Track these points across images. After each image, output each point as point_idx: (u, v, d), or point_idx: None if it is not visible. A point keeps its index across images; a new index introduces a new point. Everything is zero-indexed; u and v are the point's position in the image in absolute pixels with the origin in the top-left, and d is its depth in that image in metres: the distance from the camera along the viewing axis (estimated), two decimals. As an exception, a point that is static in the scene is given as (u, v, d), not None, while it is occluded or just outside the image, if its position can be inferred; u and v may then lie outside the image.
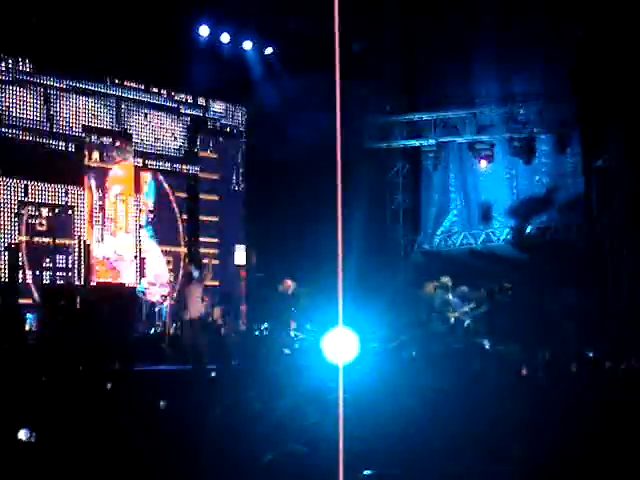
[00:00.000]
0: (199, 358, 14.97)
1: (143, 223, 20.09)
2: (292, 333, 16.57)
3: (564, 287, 18.38)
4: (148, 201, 20.25)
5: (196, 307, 16.36)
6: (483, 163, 21.16)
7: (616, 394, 6.41)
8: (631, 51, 18.82)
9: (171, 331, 17.85)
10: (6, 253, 17.15)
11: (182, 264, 20.45)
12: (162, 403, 6.40)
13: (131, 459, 4.74)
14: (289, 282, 17.23)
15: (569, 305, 17.92)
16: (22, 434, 5.15)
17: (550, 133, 20.66)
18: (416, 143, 21.85)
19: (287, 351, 16.05)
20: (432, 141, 21.41)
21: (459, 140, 21.41)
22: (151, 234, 20.23)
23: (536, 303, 17.99)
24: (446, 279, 17.69)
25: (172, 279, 19.93)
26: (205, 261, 19.83)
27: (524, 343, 15.20)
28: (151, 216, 20.29)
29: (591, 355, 12.69)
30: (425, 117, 21.50)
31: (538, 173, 21.32)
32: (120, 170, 19.70)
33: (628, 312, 18.34)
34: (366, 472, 4.16)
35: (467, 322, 17.29)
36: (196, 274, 16.89)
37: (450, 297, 17.46)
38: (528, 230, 21.43)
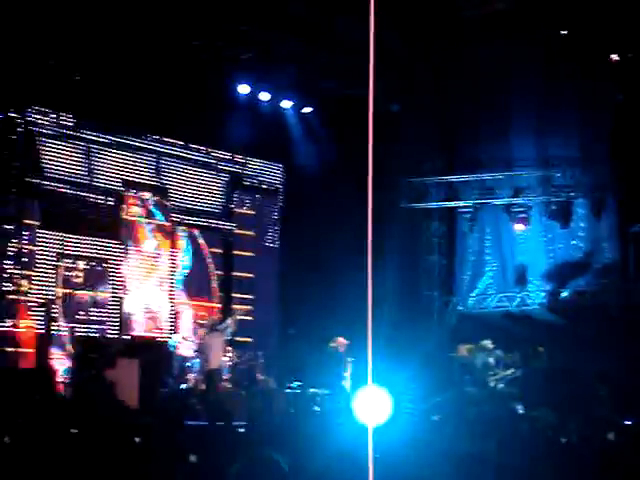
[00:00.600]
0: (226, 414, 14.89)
1: (178, 278, 20.19)
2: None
3: (599, 352, 18.15)
4: (184, 256, 20.37)
5: (217, 358, 16.37)
6: (519, 226, 21.10)
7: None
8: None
9: (202, 387, 17.81)
10: (43, 305, 17.27)
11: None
12: (192, 457, 6.39)
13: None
14: (341, 340, 17.18)
15: (604, 370, 17.67)
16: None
17: (586, 197, 20.59)
18: (452, 204, 21.85)
19: (317, 408, 15.94)
20: (468, 202, 21.41)
21: (495, 202, 21.37)
22: (185, 289, 20.32)
23: (570, 368, 17.77)
24: (487, 342, 17.56)
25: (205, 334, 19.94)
26: (231, 314, 19.71)
27: (557, 408, 14.97)
28: (186, 271, 20.39)
29: (627, 422, 12.48)
30: (462, 178, 21.52)
31: (575, 237, 21.21)
32: (157, 225, 19.86)
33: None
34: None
35: (500, 386, 17.10)
36: (219, 325, 16.92)
37: (491, 360, 17.32)
38: (564, 294, 21.25)
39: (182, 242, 20.37)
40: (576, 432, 8.94)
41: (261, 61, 19.29)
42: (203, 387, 17.46)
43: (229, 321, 18.54)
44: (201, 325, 19.30)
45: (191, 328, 19.96)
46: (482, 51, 20.70)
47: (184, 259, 20.34)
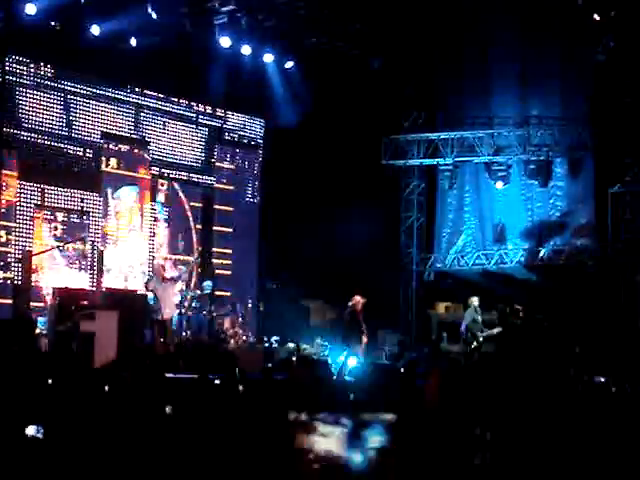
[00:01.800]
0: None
1: (157, 231, 20.17)
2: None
3: (576, 311, 18.34)
4: (163, 209, 20.34)
5: (170, 307, 16.44)
6: (499, 184, 21.17)
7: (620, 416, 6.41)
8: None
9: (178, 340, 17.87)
10: (20, 256, 17.25)
11: (194, 273, 20.53)
12: (167, 408, 6.44)
13: (133, 459, 4.79)
14: (358, 297, 17.23)
15: (579, 328, 17.88)
16: (30, 430, 5.21)
17: (565, 157, 20.66)
18: (433, 162, 21.87)
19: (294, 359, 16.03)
20: (449, 160, 21.44)
21: (476, 160, 21.42)
22: (164, 242, 20.32)
23: (547, 326, 17.96)
24: (474, 298, 17.64)
25: (183, 288, 19.97)
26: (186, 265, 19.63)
27: (533, 365, 15.16)
28: (165, 224, 20.37)
29: (601, 379, 12.62)
30: (443, 136, 21.53)
31: (553, 196, 21.31)
32: (136, 177, 19.80)
33: None
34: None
35: (476, 343, 17.23)
36: (172, 273, 16.85)
37: (479, 317, 17.44)
38: (542, 253, 21.40)
39: (161, 195, 20.33)
40: (550, 390, 9.04)
41: (243, 14, 19.12)
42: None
43: (183, 270, 18.55)
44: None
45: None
46: (464, 9, 20.67)
47: (164, 212, 20.31)
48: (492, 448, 4.70)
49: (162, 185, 20.40)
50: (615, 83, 19.57)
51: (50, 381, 6.83)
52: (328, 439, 3.86)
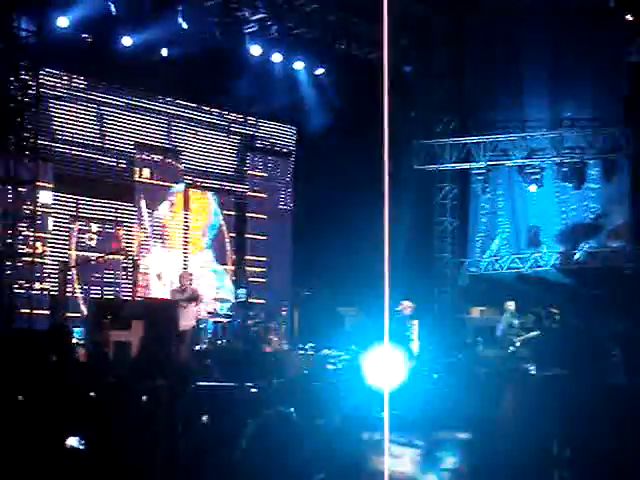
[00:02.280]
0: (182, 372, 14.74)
1: (191, 240, 20.26)
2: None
3: (612, 313, 18.17)
4: (197, 218, 20.42)
5: (187, 319, 16.07)
6: (532, 187, 21.05)
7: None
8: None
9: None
10: (57, 267, 17.36)
11: (229, 281, 20.61)
12: (204, 418, 6.45)
13: (170, 470, 4.80)
14: (407, 303, 17.30)
15: (617, 331, 17.70)
16: (71, 441, 5.24)
17: (599, 159, 20.50)
18: (465, 166, 21.79)
19: (331, 367, 16.02)
20: (481, 164, 21.33)
21: (508, 163, 21.31)
22: (199, 251, 20.40)
23: (584, 329, 17.80)
24: (510, 303, 17.60)
25: (219, 295, 20.05)
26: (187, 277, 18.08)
27: (571, 369, 15.03)
28: (199, 233, 20.45)
29: None
30: (475, 140, 21.44)
31: (587, 199, 21.16)
32: (170, 187, 19.90)
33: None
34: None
35: (513, 347, 17.16)
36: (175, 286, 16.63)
37: (515, 322, 17.39)
38: (577, 256, 21.24)
39: (195, 204, 20.42)
40: (588, 393, 8.98)
41: (273, 22, 19.18)
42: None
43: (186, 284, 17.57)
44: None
45: (205, 290, 20.05)
46: (494, 10, 20.60)
47: (198, 221, 20.39)
48: (571, 466, 4.61)
49: (195, 194, 20.48)
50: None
51: (91, 394, 6.87)
52: (400, 460, 3.79)
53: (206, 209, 20.80)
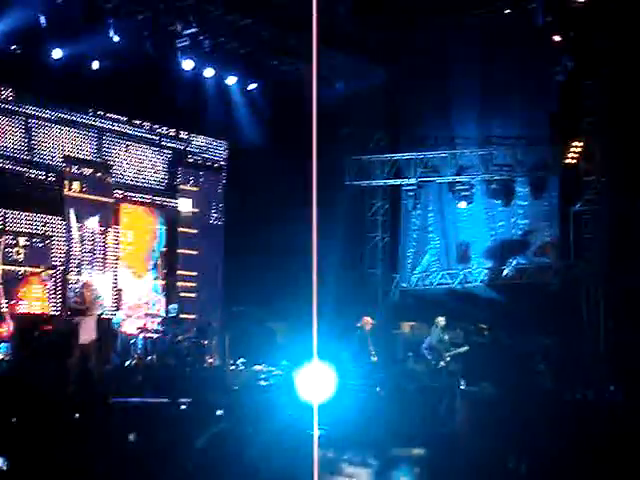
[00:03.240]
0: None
1: (121, 254, 20.06)
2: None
3: (539, 329, 18.45)
4: (127, 233, 20.24)
5: (88, 333, 15.54)
6: (462, 204, 21.29)
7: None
8: (611, 95, 19.10)
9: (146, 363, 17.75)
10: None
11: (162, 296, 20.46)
12: (131, 436, 6.37)
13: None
14: (367, 319, 17.34)
15: (544, 346, 17.99)
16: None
17: (528, 176, 20.81)
18: (397, 182, 21.95)
19: (263, 383, 15.98)
20: (412, 180, 21.52)
21: (439, 180, 21.53)
22: (128, 265, 20.21)
23: (511, 344, 18.04)
24: (441, 319, 17.74)
25: (150, 311, 19.89)
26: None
27: (498, 383, 15.22)
28: (130, 248, 20.27)
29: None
30: (406, 156, 21.63)
31: (515, 215, 21.47)
32: (100, 201, 19.68)
33: (602, 354, 18.46)
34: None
35: (443, 362, 17.29)
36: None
37: (446, 337, 17.53)
38: (505, 272, 21.52)
39: (125, 219, 20.23)
40: (514, 405, 9.10)
41: (205, 37, 19.12)
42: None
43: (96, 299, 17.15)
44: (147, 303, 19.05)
45: (134, 306, 19.88)
46: (427, 30, 20.82)
47: (128, 235, 20.20)
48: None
49: (125, 208, 20.30)
50: (575, 103, 19.77)
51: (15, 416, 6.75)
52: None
53: (152, 228, 20.71)
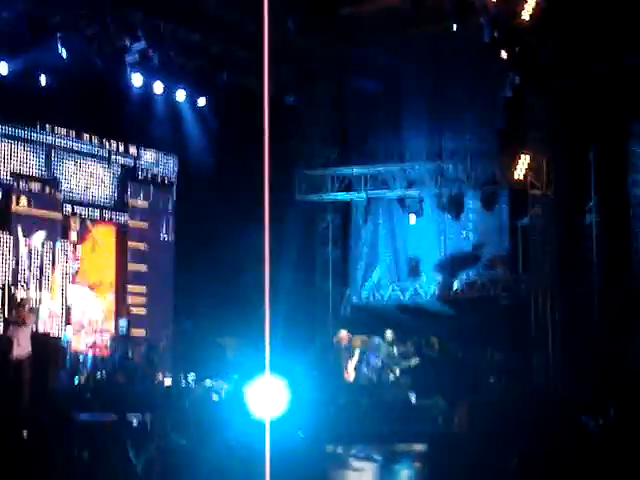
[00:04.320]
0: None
1: (70, 270, 19.88)
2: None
3: (489, 342, 18.60)
4: (76, 248, 20.07)
5: (23, 346, 15.30)
6: (412, 218, 21.38)
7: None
8: (557, 110, 19.37)
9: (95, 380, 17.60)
10: None
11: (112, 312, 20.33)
12: (85, 453, 6.32)
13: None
14: (344, 333, 17.32)
15: (494, 360, 18.14)
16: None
17: (477, 190, 20.97)
18: (347, 197, 22.01)
19: (215, 397, 15.92)
20: (363, 195, 21.58)
21: (389, 194, 21.62)
22: (77, 281, 20.04)
23: (462, 358, 18.17)
24: (389, 332, 17.77)
25: (98, 328, 19.73)
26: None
27: (448, 397, 15.33)
28: (78, 263, 20.10)
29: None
30: (356, 171, 21.69)
31: (465, 229, 21.62)
32: (48, 217, 19.51)
33: (551, 365, 18.69)
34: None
35: (397, 375, 17.33)
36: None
37: (395, 351, 17.56)
38: (455, 286, 21.65)
39: (74, 234, 20.07)
40: (463, 418, 9.18)
41: (154, 51, 19.06)
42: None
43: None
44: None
45: (83, 322, 19.71)
46: (377, 45, 20.95)
47: (77, 251, 20.04)
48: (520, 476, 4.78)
49: (74, 223, 20.13)
50: (522, 118, 20.00)
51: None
52: (361, 473, 3.95)
53: (101, 243, 20.58)
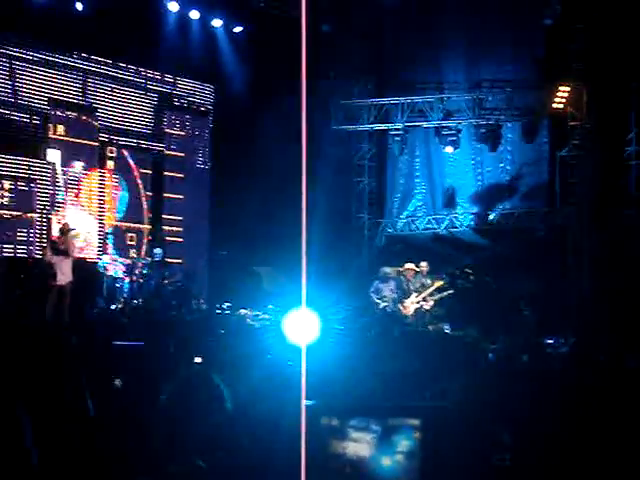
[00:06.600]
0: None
1: (107, 198, 20.00)
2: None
3: (525, 273, 18.53)
4: (113, 176, 20.16)
5: (66, 274, 15.48)
6: (449, 148, 21.23)
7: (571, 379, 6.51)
8: (599, 41, 19.00)
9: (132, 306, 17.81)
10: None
11: (145, 240, 20.45)
12: (117, 381, 6.39)
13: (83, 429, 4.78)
14: (410, 265, 17.40)
15: (529, 291, 18.08)
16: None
17: (516, 121, 20.77)
18: (383, 127, 21.87)
19: (252, 323, 16.02)
20: (399, 125, 21.42)
21: (426, 125, 21.45)
22: (114, 209, 20.16)
23: (496, 289, 18.14)
24: (424, 263, 17.73)
25: (135, 255, 19.89)
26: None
27: (483, 328, 15.34)
28: (115, 192, 20.20)
29: (548, 341, 12.81)
30: (393, 101, 21.52)
31: (503, 160, 21.47)
32: (85, 144, 19.57)
33: (587, 300, 18.58)
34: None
35: (426, 306, 17.29)
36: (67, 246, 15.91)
37: (428, 281, 17.51)
38: (491, 217, 21.58)
39: (111, 162, 20.13)
40: (499, 351, 9.18)
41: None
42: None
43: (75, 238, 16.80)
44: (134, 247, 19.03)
45: (121, 249, 19.90)
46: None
47: (113, 179, 20.13)
48: (511, 449, 4.80)
49: (111, 152, 20.19)
50: (563, 47, 19.67)
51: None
52: (359, 444, 4.03)
53: (138, 172, 20.65)
